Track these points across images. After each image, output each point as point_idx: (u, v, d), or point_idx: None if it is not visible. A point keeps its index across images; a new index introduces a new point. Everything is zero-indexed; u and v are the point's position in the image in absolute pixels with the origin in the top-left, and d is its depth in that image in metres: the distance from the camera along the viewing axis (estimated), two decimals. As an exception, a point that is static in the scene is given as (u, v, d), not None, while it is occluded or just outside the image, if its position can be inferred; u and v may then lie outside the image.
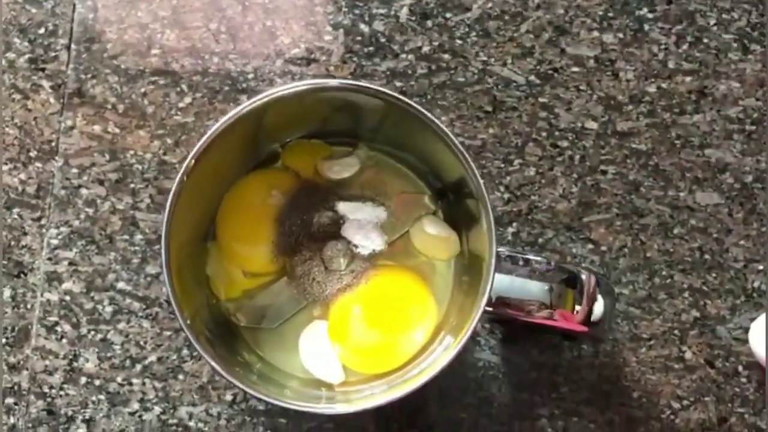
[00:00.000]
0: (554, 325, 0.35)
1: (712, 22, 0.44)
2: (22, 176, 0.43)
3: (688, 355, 0.41)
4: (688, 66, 0.43)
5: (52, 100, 0.43)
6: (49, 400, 0.41)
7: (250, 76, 0.43)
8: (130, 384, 0.41)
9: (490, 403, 0.41)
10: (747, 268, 0.42)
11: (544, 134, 0.43)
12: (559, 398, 0.41)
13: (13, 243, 0.42)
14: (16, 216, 0.42)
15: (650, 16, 0.44)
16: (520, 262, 0.35)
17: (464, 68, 0.43)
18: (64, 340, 0.41)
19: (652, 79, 0.43)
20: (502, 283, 0.35)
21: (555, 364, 0.41)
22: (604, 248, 0.42)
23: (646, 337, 0.41)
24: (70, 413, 0.41)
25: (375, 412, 0.41)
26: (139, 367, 0.41)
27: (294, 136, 0.39)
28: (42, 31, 0.44)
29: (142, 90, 0.43)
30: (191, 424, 0.41)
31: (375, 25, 0.44)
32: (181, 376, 0.41)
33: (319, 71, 0.43)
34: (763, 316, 0.41)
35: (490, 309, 0.34)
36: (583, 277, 0.35)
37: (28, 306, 0.42)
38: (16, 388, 0.41)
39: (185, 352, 0.41)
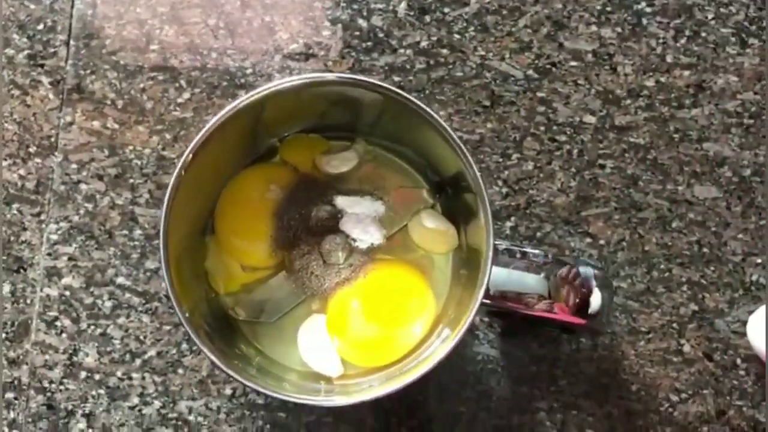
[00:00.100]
0: (552, 317, 0.35)
1: (710, 16, 0.44)
2: (22, 172, 0.43)
3: (687, 348, 0.42)
4: (687, 60, 0.44)
5: (51, 95, 0.43)
6: (49, 394, 0.41)
7: (249, 71, 0.43)
8: (130, 378, 0.41)
9: (489, 397, 0.41)
10: (745, 262, 0.42)
11: (542, 128, 0.43)
12: (558, 391, 0.41)
13: (12, 238, 0.42)
14: (15, 211, 0.42)
15: (648, 10, 0.44)
16: (518, 255, 0.35)
17: (462, 63, 0.43)
18: (64, 335, 0.41)
19: (651, 73, 0.43)
20: (500, 275, 0.35)
21: (554, 358, 0.41)
22: (602, 242, 0.42)
23: (644, 331, 0.42)
24: (70, 408, 0.41)
25: (374, 405, 0.41)
26: (138, 361, 0.41)
27: (292, 131, 0.39)
28: (41, 27, 0.44)
29: (141, 86, 0.43)
30: (191, 418, 0.41)
31: (373, 20, 0.44)
32: (180, 371, 0.41)
33: (317, 66, 0.43)
34: (761, 309, 0.41)
35: (488, 301, 0.34)
36: (580, 269, 0.36)
37: (28, 301, 0.42)
38: (16, 382, 0.41)
39: (185, 346, 0.41)
